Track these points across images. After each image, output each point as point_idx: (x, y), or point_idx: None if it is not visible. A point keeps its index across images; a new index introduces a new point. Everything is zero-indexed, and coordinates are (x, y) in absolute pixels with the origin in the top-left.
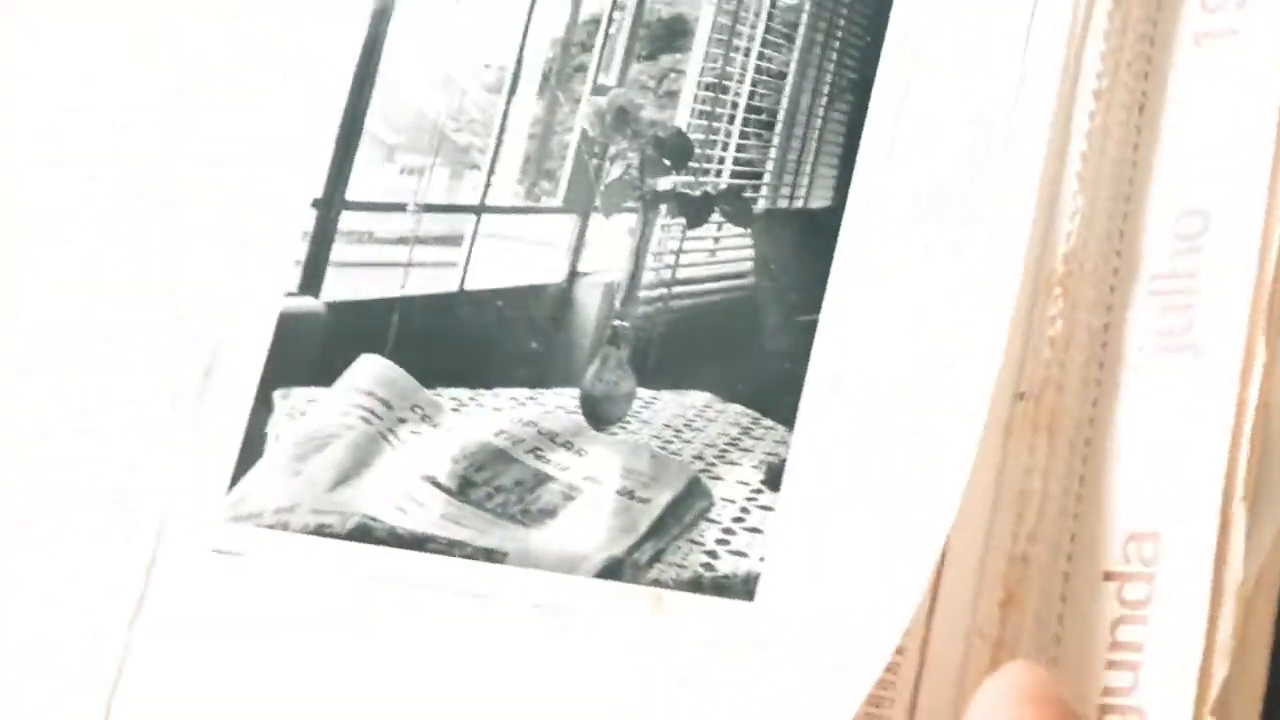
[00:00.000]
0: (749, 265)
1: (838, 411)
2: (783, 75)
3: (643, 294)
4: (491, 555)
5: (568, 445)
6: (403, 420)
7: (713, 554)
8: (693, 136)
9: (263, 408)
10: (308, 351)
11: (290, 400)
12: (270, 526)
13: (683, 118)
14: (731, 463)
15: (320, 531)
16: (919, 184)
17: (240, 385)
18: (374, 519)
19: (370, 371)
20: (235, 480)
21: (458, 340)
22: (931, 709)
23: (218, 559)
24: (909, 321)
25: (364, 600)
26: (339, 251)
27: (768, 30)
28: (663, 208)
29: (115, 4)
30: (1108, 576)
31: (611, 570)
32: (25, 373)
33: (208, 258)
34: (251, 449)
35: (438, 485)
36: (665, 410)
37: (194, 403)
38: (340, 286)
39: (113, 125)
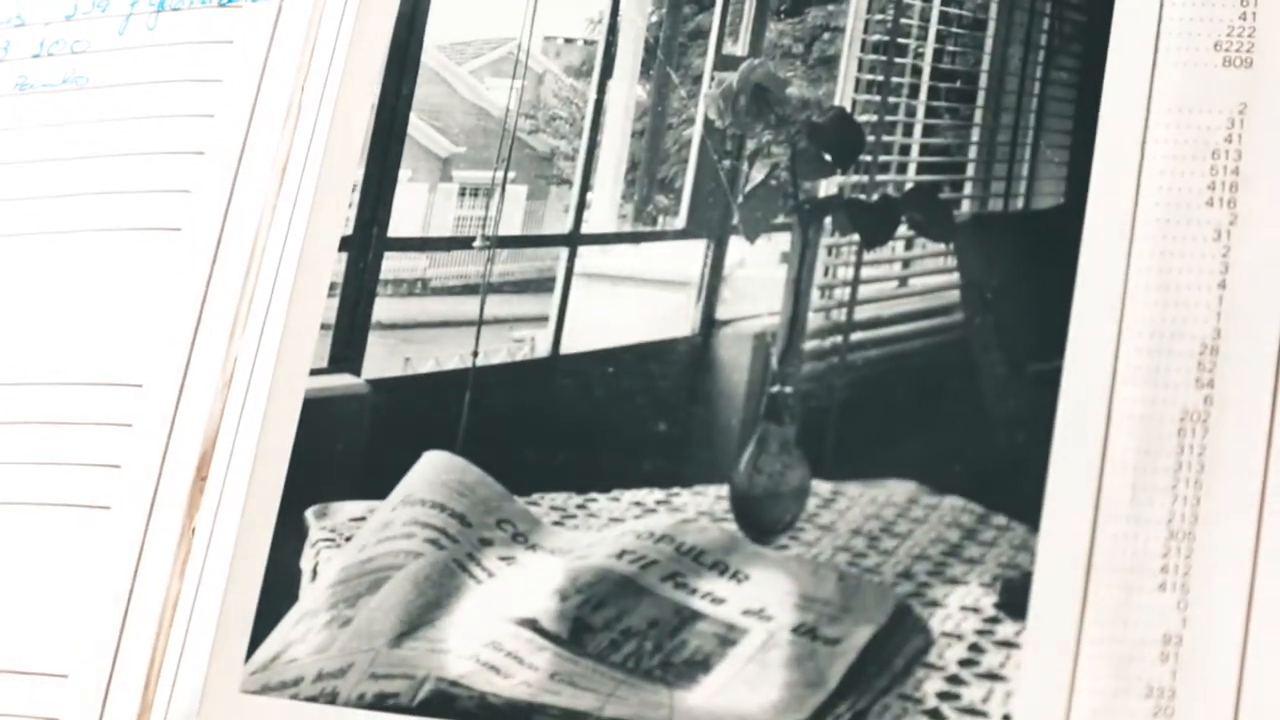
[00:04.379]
0: (955, 296)
1: (1101, 497)
2: (980, 24)
3: (809, 346)
4: None
5: (720, 567)
6: (487, 542)
7: (937, 714)
8: (860, 119)
9: (291, 531)
10: (348, 450)
11: (329, 520)
12: (312, 699)
13: (845, 93)
14: (953, 580)
15: (381, 704)
16: (1193, 151)
17: (255, 500)
18: (456, 683)
19: (437, 475)
20: (258, 637)
21: (555, 426)
22: None
23: None
24: (1186, 355)
25: None
26: (382, 309)
27: None
28: (827, 221)
29: None
30: None
31: None
32: None
33: (184, 322)
34: (278, 591)
35: (541, 632)
36: (853, 510)
37: (182, 522)
38: (387, 357)
39: None
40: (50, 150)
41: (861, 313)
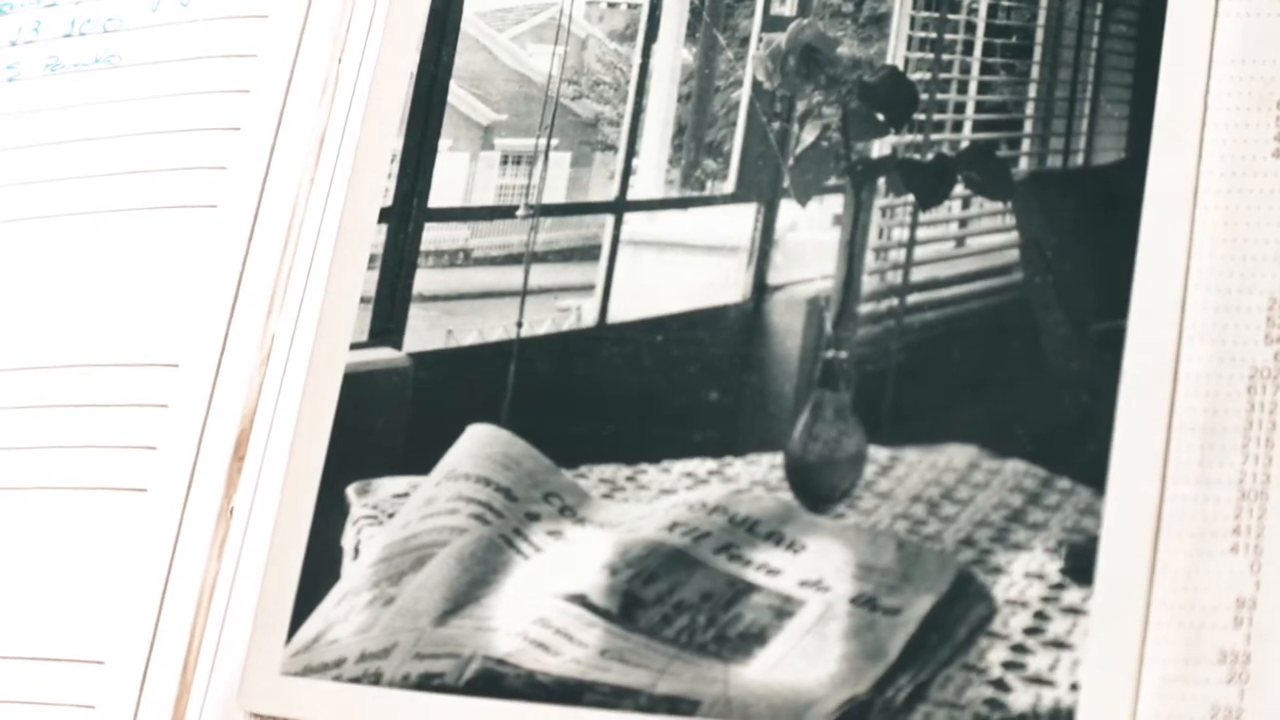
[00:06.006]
0: (1014, 255)
1: (1169, 458)
2: None
3: (864, 309)
4: (677, 706)
5: (775, 538)
6: (534, 516)
7: (1001, 684)
8: (913, 77)
9: (332, 508)
10: (390, 425)
11: (371, 496)
12: (355, 680)
13: (897, 51)
14: (1016, 547)
15: (427, 684)
16: (1257, 103)
17: (294, 478)
18: (504, 661)
19: (482, 449)
20: (299, 618)
21: (603, 396)
22: None
23: None
24: (1254, 310)
25: None
26: (424, 280)
27: None
28: (881, 182)
29: None
30: None
31: (854, 719)
32: None
33: (220, 299)
34: (319, 570)
35: (591, 608)
36: (912, 476)
37: (220, 503)
38: (429, 330)
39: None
40: (83, 130)
41: (918, 274)
